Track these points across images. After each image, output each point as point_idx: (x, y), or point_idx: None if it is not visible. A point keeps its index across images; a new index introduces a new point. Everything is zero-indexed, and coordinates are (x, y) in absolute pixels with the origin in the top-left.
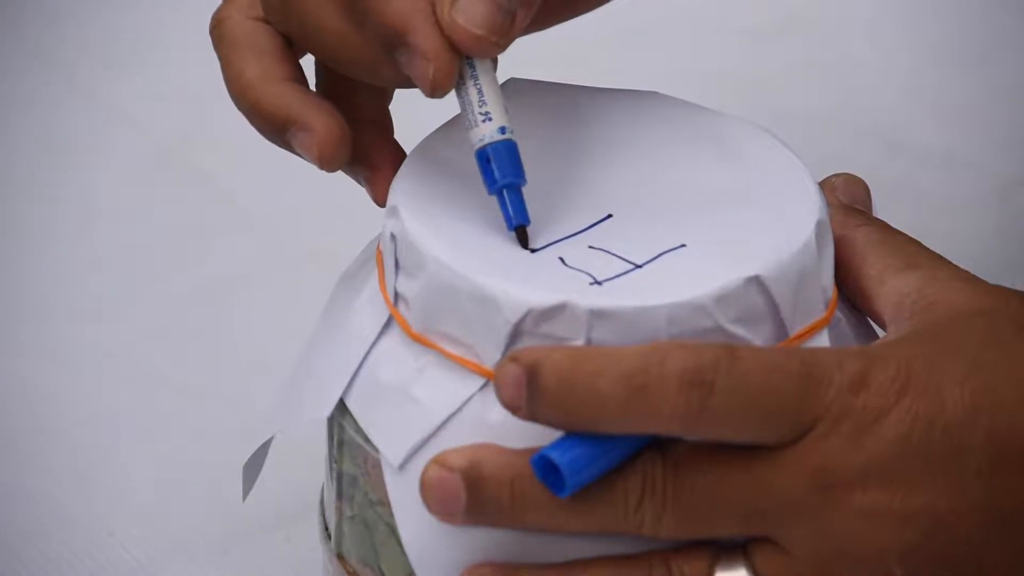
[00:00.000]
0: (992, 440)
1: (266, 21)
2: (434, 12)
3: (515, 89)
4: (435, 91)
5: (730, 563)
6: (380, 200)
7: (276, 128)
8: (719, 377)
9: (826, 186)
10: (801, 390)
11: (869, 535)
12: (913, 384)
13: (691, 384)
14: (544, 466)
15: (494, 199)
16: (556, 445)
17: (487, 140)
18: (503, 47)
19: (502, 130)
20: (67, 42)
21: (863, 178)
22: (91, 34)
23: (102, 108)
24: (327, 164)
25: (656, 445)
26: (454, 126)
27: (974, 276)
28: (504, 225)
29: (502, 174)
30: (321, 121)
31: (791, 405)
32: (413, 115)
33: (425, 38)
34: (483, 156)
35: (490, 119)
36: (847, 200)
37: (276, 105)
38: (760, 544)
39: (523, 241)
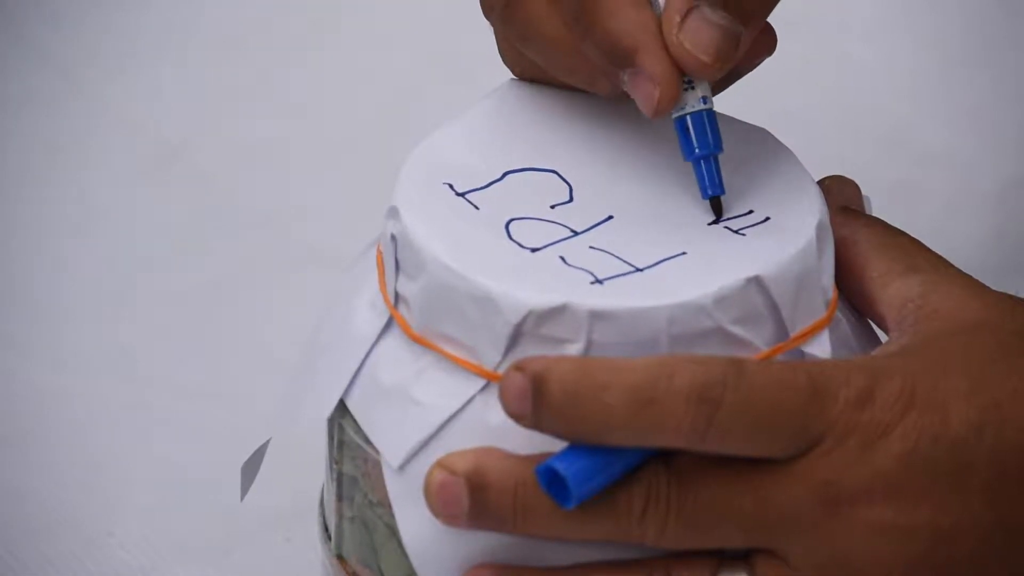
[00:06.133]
0: (997, 456)
1: None
2: (661, 33)
3: (515, 89)
4: (658, 114)
5: (732, 573)
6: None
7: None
8: (727, 392)
9: (820, 188)
10: (808, 405)
11: (872, 549)
12: (918, 399)
13: (699, 399)
14: (549, 476)
15: (494, 201)
16: (561, 456)
17: (688, 109)
18: (725, 71)
19: (703, 100)
20: (67, 42)
21: (864, 178)
22: (91, 34)
23: (102, 108)
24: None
25: (660, 456)
26: (455, 126)
27: (977, 282)
28: (504, 225)
29: (700, 144)
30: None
31: (798, 420)
32: (413, 115)
33: (654, 61)
34: (682, 124)
35: (692, 87)
36: (840, 202)
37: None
38: (762, 555)
39: (717, 211)
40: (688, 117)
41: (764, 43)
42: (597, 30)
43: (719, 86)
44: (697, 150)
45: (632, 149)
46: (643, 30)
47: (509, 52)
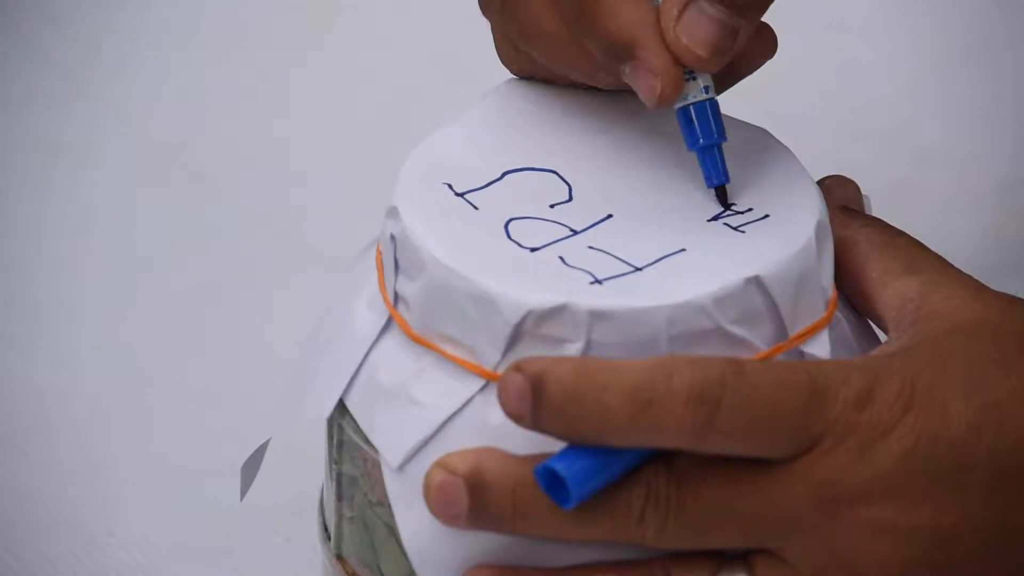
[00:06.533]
0: (996, 457)
1: None
2: (659, 26)
3: (514, 89)
4: (660, 105)
5: (731, 574)
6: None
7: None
8: (726, 393)
9: (819, 188)
10: (807, 406)
11: (872, 550)
12: (918, 400)
13: (698, 400)
14: (548, 477)
15: (494, 201)
16: (560, 457)
17: (690, 99)
18: (723, 64)
19: (705, 89)
20: (67, 42)
21: (864, 178)
22: (91, 34)
23: (102, 108)
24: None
25: (660, 456)
26: (455, 126)
27: (976, 282)
28: (504, 225)
29: (704, 133)
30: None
31: (797, 421)
32: (413, 115)
33: (654, 54)
34: (685, 115)
35: (694, 77)
36: (840, 201)
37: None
38: (762, 555)
39: (722, 200)
40: (691, 107)
41: (764, 46)
42: (598, 25)
43: (719, 88)
44: (701, 140)
45: (631, 148)
46: (642, 24)
47: (506, 49)
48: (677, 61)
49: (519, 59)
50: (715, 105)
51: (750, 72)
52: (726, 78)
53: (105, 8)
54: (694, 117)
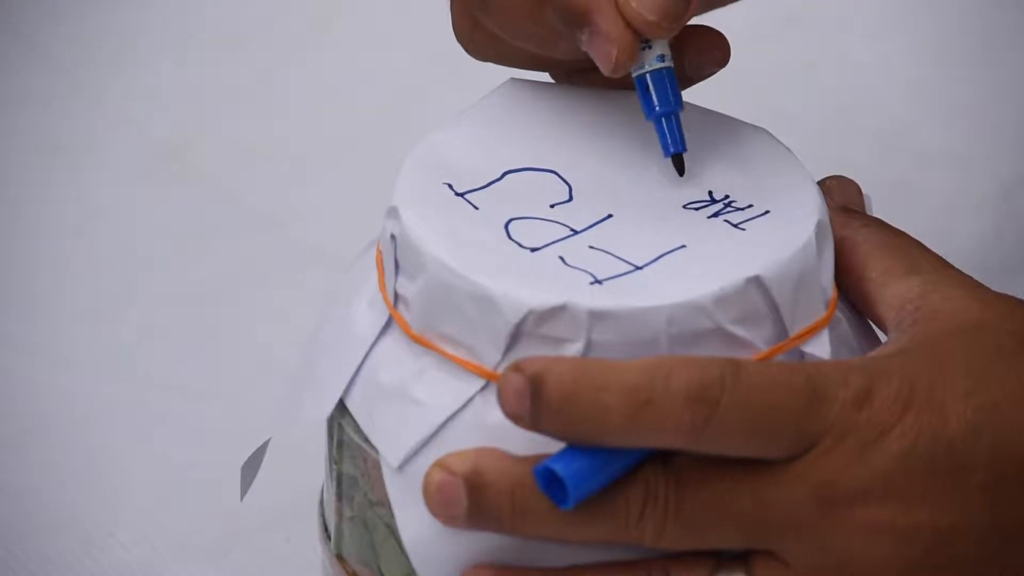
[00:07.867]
0: (995, 457)
1: None
2: None
3: (515, 89)
4: (616, 71)
5: (730, 574)
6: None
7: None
8: (724, 393)
9: (820, 188)
10: (806, 406)
11: (870, 551)
12: (916, 400)
13: (696, 400)
14: (547, 477)
15: (494, 201)
16: (559, 457)
17: (646, 68)
18: (676, 30)
19: (661, 58)
20: (67, 42)
21: (864, 178)
22: (91, 34)
23: (102, 108)
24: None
25: (659, 457)
26: (455, 125)
27: (976, 282)
28: (504, 225)
29: (661, 102)
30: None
31: (795, 421)
32: (413, 115)
33: (609, 21)
34: (642, 83)
35: (649, 47)
36: (841, 202)
37: None
38: (761, 556)
39: (679, 168)
40: (648, 76)
41: (714, 57)
42: None
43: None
44: (658, 107)
45: (631, 148)
46: None
47: (463, 28)
48: (631, 28)
49: (476, 39)
50: (671, 73)
51: (701, 79)
52: (681, 80)
53: (105, 8)
54: (651, 85)
